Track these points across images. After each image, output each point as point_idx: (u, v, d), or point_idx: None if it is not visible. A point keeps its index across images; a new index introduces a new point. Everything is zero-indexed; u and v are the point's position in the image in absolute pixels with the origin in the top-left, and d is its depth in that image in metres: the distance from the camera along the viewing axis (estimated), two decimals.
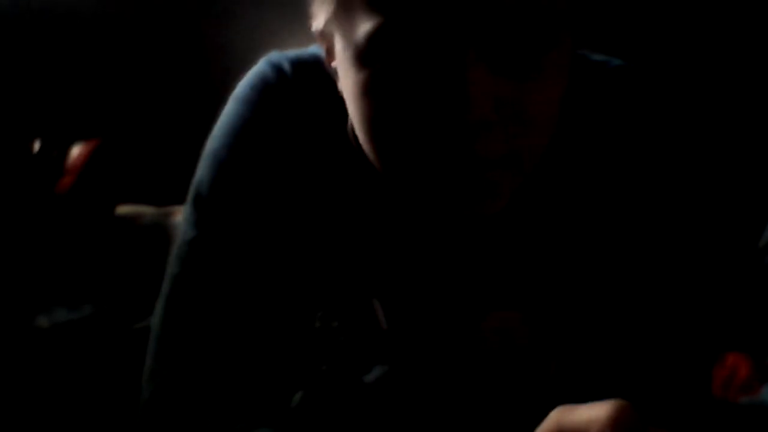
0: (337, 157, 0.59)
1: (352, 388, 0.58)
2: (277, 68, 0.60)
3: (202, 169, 0.59)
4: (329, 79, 0.58)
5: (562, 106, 0.50)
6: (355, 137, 0.53)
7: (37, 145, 2.08)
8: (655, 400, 0.54)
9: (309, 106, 0.59)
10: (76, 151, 2.02)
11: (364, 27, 0.45)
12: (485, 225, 0.57)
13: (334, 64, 0.54)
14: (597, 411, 0.33)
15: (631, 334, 0.58)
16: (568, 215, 0.58)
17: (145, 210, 2.05)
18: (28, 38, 2.95)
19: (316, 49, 0.62)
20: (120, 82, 3.04)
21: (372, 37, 0.45)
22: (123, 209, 2.02)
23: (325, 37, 0.54)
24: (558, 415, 0.35)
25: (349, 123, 0.57)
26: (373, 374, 0.58)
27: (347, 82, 0.50)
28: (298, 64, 0.61)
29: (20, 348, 1.69)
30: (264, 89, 0.59)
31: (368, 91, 0.47)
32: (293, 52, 0.62)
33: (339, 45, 0.50)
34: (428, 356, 0.58)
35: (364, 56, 0.47)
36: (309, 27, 0.54)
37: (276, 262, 0.57)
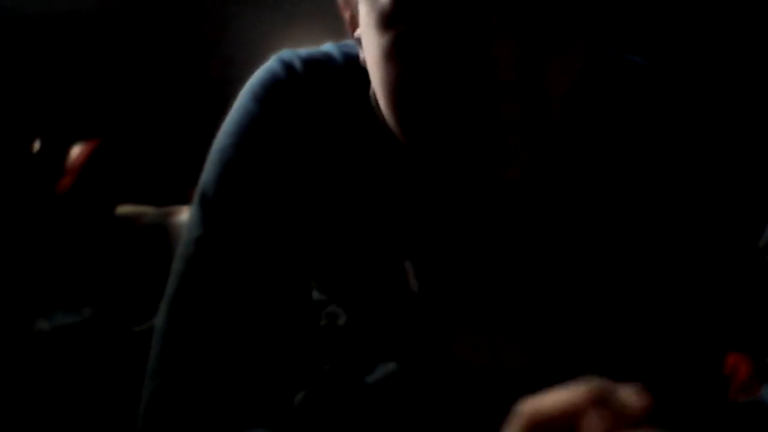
0: (356, 140, 0.59)
1: (354, 388, 0.58)
2: (287, 66, 0.60)
3: (209, 168, 0.59)
4: (342, 76, 0.58)
5: (586, 96, 0.49)
6: (378, 108, 0.53)
7: (37, 145, 2.08)
8: (656, 399, 0.54)
9: (321, 101, 0.59)
10: (76, 151, 2.02)
11: None
12: (504, 196, 0.58)
13: (357, 32, 0.55)
14: (571, 393, 0.33)
15: (635, 332, 0.58)
16: (583, 201, 0.59)
17: (145, 210, 2.05)
18: (29, 39, 2.95)
19: (329, 47, 0.62)
20: (120, 82, 3.04)
21: (396, 1, 0.46)
22: (123, 209, 2.02)
23: (349, 3, 0.55)
24: (527, 408, 0.34)
25: (371, 94, 0.57)
26: (375, 374, 0.58)
27: (371, 46, 0.50)
28: (310, 62, 0.61)
29: (20, 351, 1.70)
30: (273, 86, 0.59)
31: (392, 54, 0.48)
32: (305, 50, 0.62)
33: (363, 10, 0.51)
34: (430, 356, 0.58)
35: (388, 19, 0.47)
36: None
37: (283, 260, 0.57)
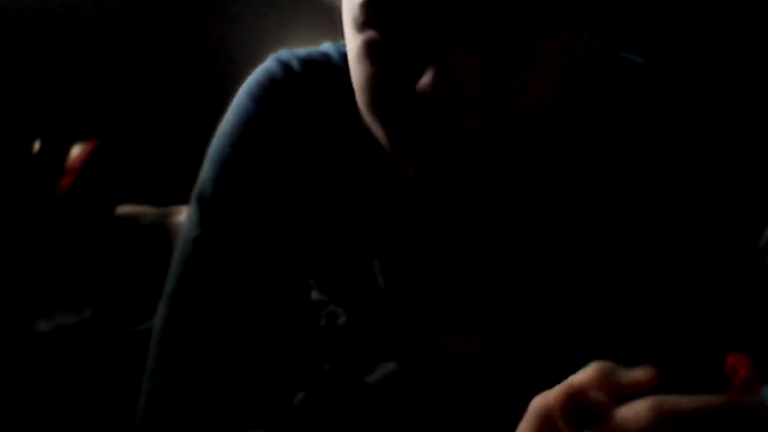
0: (351, 141, 0.59)
1: (354, 388, 0.58)
2: (285, 65, 0.60)
3: (207, 167, 0.59)
4: (340, 76, 0.58)
5: (581, 97, 0.49)
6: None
7: (37, 145, 2.08)
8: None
9: (318, 101, 0.60)
10: (76, 151, 2.02)
11: None
12: (480, 198, 0.58)
13: None
14: (579, 377, 0.34)
15: (634, 331, 0.58)
16: (570, 202, 0.59)
17: (145, 210, 2.05)
18: (29, 38, 2.95)
19: (327, 47, 0.63)
20: (120, 82, 3.04)
21: (364, 6, 0.47)
22: (123, 209, 2.02)
23: (338, 3, 0.55)
24: (539, 399, 0.35)
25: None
26: (375, 374, 0.58)
27: (348, 47, 0.52)
28: (308, 61, 0.61)
29: (20, 352, 1.69)
30: (271, 86, 0.60)
31: (362, 56, 0.49)
32: (303, 50, 0.63)
33: (343, 11, 0.52)
34: (426, 353, 0.58)
35: (359, 23, 0.48)
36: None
37: (281, 259, 0.57)
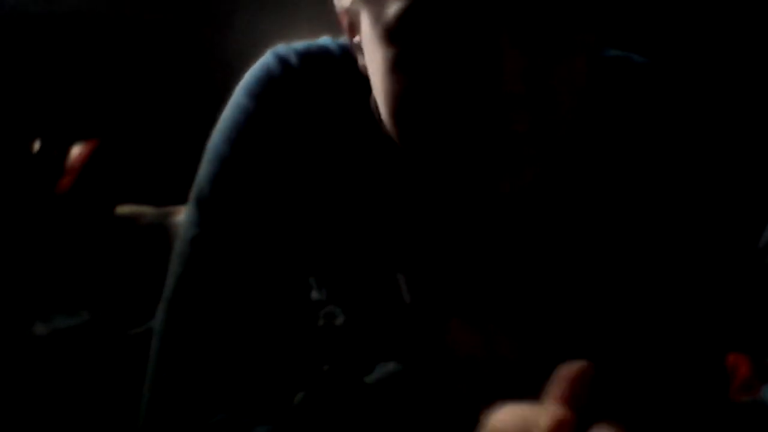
0: (354, 137, 0.59)
1: (354, 388, 0.58)
2: (282, 60, 0.60)
3: (205, 166, 0.59)
4: (340, 69, 0.58)
5: (586, 97, 0.50)
6: (378, 112, 0.53)
7: (37, 145, 2.08)
8: (658, 400, 0.54)
9: (317, 96, 0.59)
10: (76, 151, 2.02)
11: (394, 6, 0.46)
12: (506, 206, 0.57)
13: (356, 39, 0.54)
14: (532, 410, 0.33)
15: (637, 332, 0.58)
16: (585, 204, 0.59)
17: (145, 210, 2.04)
18: (29, 38, 2.95)
19: (326, 40, 0.62)
20: (120, 83, 3.03)
21: (402, 17, 0.46)
22: (123, 209, 2.02)
23: (349, 12, 0.54)
24: (490, 421, 0.35)
25: (372, 99, 0.57)
26: (375, 374, 0.58)
27: (374, 58, 0.50)
28: (306, 56, 0.60)
29: (18, 355, 1.69)
30: (268, 82, 0.59)
31: (397, 67, 0.48)
32: (301, 44, 0.62)
33: (366, 22, 0.51)
34: (432, 354, 0.58)
35: (393, 34, 0.47)
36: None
37: (280, 259, 0.57)
